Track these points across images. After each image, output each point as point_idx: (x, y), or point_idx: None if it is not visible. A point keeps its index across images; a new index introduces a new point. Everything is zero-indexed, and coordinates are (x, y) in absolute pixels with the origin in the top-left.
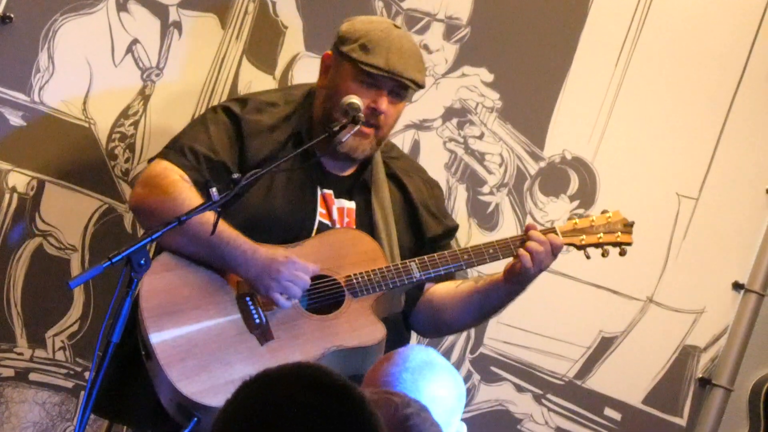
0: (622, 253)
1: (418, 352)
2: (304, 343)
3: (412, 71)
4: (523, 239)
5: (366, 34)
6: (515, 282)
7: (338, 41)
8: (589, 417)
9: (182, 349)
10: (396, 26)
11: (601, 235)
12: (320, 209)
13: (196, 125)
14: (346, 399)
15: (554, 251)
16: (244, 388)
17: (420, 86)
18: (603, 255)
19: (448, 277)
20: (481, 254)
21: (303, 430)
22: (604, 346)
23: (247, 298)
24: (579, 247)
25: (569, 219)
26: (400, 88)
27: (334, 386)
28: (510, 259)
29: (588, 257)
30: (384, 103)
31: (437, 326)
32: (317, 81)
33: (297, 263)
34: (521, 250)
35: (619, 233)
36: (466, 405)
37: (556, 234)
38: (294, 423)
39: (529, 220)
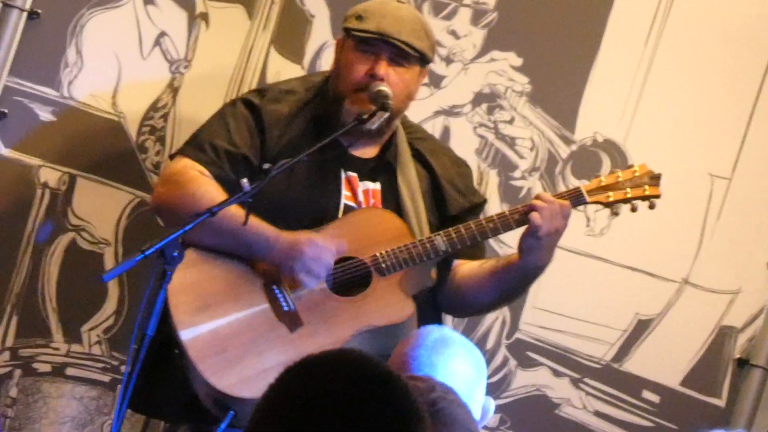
0: (651, 207)
1: (432, 331)
2: (334, 326)
3: (406, 35)
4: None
5: (364, 7)
6: (529, 251)
7: (343, 22)
8: (627, 400)
9: (213, 343)
10: (399, 0)
11: (629, 190)
12: (345, 191)
13: (215, 120)
14: (390, 389)
15: (563, 212)
16: (286, 374)
17: (418, 51)
18: (632, 210)
19: (476, 251)
20: (506, 220)
21: (346, 420)
22: (641, 328)
23: (274, 287)
24: (606, 205)
25: (595, 177)
26: (400, 55)
27: (379, 376)
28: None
29: (616, 214)
30: (382, 67)
31: (460, 305)
32: (331, 67)
33: (318, 242)
34: (531, 212)
35: (647, 186)
36: (503, 391)
37: (581, 193)
38: (337, 412)
39: None
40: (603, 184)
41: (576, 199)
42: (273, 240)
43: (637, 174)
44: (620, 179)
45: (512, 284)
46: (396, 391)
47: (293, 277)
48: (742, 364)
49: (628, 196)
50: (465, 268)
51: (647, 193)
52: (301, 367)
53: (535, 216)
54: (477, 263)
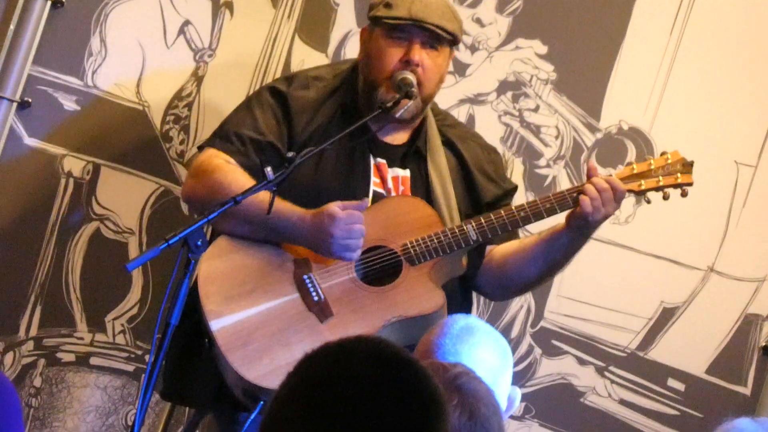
0: (684, 194)
1: (457, 320)
2: (364, 316)
3: (437, 19)
4: (580, 191)
5: None
6: (577, 228)
7: (369, 11)
8: (653, 388)
9: (243, 333)
10: None
11: (660, 178)
12: (374, 178)
13: (241, 110)
14: (408, 372)
15: (617, 197)
16: (305, 361)
17: (451, 34)
18: (664, 198)
19: (507, 236)
20: (537, 209)
21: (365, 404)
22: (666, 316)
23: (305, 276)
24: (638, 193)
25: (627, 164)
26: (432, 39)
27: (397, 359)
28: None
29: (648, 202)
30: (416, 53)
31: (504, 284)
32: (358, 56)
33: (341, 218)
34: (582, 196)
35: (679, 174)
36: (528, 379)
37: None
38: (356, 396)
39: None
40: (635, 172)
41: None
42: (299, 224)
43: (669, 161)
44: (652, 167)
45: (560, 254)
46: (415, 375)
47: (333, 258)
48: (767, 351)
49: (661, 184)
50: (505, 247)
51: (680, 180)
52: (319, 354)
53: (586, 204)
54: (517, 241)
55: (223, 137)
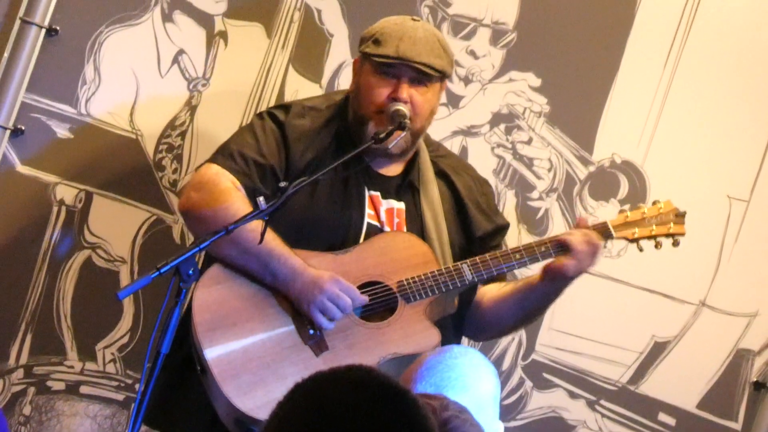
0: (675, 244)
1: (454, 346)
2: (360, 352)
3: (425, 56)
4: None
5: (380, 30)
6: (552, 280)
7: (359, 44)
8: (644, 422)
9: (237, 363)
10: (414, 19)
11: (654, 227)
12: (368, 210)
13: (245, 131)
14: (398, 401)
15: (593, 251)
16: (296, 389)
17: (439, 71)
18: (656, 247)
19: (501, 277)
20: (533, 252)
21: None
22: (657, 350)
23: None
24: (631, 241)
25: (620, 212)
26: (421, 76)
27: (387, 388)
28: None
29: (641, 250)
30: (404, 91)
31: (482, 328)
32: (350, 87)
33: (341, 283)
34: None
35: (672, 224)
36: (519, 412)
37: (608, 228)
38: (346, 424)
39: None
40: (629, 220)
41: (602, 234)
42: (300, 271)
43: (662, 211)
44: (646, 216)
45: (533, 305)
46: (406, 404)
47: (308, 314)
48: (759, 387)
49: (653, 233)
50: (486, 291)
51: (672, 231)
52: (310, 382)
53: (567, 259)
54: (497, 286)
55: (227, 156)
